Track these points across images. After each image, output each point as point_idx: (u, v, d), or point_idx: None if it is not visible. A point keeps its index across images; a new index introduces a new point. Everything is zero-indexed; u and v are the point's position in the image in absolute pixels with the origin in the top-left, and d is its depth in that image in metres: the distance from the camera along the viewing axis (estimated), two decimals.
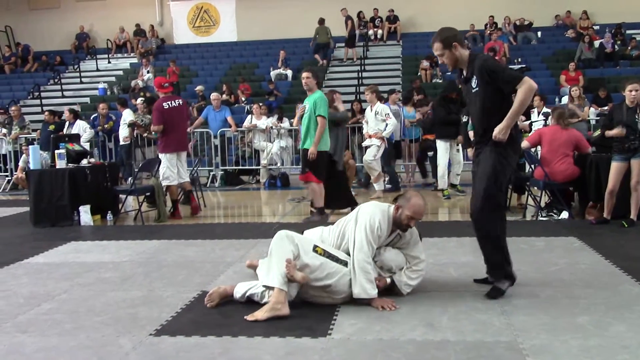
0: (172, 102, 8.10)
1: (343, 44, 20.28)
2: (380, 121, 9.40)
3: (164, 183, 8.07)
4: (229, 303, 4.21)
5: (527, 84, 4.03)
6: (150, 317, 4.02)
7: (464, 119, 7.87)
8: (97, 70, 21.11)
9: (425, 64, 17.35)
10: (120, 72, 20.78)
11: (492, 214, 4.15)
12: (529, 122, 8.06)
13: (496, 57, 15.86)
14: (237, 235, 6.76)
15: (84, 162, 8.22)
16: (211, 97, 12.81)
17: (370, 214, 4.14)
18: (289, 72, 18.70)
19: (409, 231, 4.22)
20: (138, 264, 5.60)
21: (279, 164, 12.43)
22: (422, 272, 4.30)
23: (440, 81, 17.08)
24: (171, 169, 8.05)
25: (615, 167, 6.61)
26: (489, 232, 4.19)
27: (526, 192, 8.06)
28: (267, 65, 19.31)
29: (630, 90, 6.38)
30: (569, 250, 5.68)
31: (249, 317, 3.87)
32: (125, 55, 22.26)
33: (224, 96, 15.89)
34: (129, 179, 8.93)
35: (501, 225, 4.23)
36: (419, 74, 16.63)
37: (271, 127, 12.51)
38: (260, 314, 3.87)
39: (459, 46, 4.28)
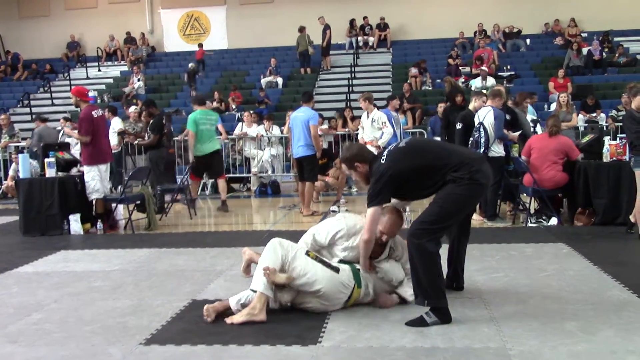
0: (98, 111, 8.05)
1: (338, 52, 20.38)
2: (376, 129, 9.36)
3: (93, 196, 7.87)
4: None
5: (366, 224, 3.98)
6: (140, 326, 4.01)
7: (458, 126, 7.88)
8: (88, 78, 21.03)
9: (414, 71, 17.43)
10: (111, 80, 20.74)
11: (417, 251, 3.85)
12: (519, 132, 8.09)
13: (483, 66, 15.99)
14: (227, 243, 6.76)
15: (74, 170, 8.19)
16: None
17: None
18: (280, 80, 18.72)
19: (399, 243, 4.28)
20: (128, 272, 5.58)
21: (269, 172, 12.43)
22: None
23: (430, 88, 17.16)
24: (100, 182, 7.88)
25: None
26: (412, 257, 3.90)
27: (516, 199, 8.10)
28: (257, 73, 19.34)
29: None
30: (557, 256, 5.72)
31: (228, 320, 3.96)
32: (116, 63, 22.22)
33: (215, 104, 15.89)
34: (119, 187, 8.90)
35: (427, 261, 3.83)
36: (408, 81, 16.70)
37: (262, 135, 12.52)
38: (236, 318, 3.95)
39: (361, 164, 4.15)
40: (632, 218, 6.49)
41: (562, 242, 6.23)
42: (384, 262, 4.28)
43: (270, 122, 12.69)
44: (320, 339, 3.68)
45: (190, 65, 19.35)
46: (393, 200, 4.23)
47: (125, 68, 21.34)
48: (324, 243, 4.29)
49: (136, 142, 10.79)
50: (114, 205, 8.20)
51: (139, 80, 18.86)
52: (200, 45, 21.04)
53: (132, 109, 12.10)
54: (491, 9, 20.20)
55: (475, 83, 15.00)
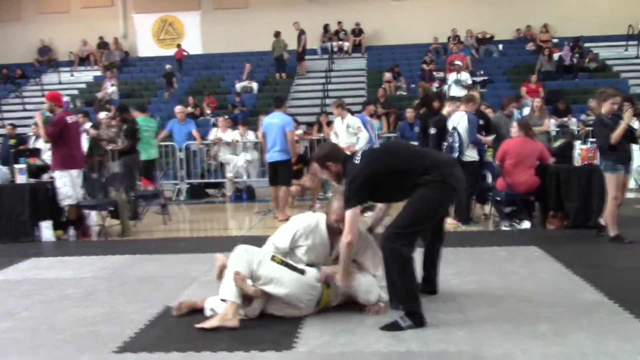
0: (72, 117, 7.98)
1: (312, 57, 20.43)
2: (352, 134, 9.39)
3: (66, 202, 7.75)
4: (195, 316, 4.18)
5: (347, 227, 3.90)
6: (112, 334, 3.96)
7: (432, 131, 7.93)
8: (60, 83, 20.77)
9: (388, 75, 17.53)
10: (83, 85, 20.51)
11: (392, 255, 3.87)
12: (492, 136, 8.18)
13: (457, 61, 16.14)
14: (202, 249, 6.70)
15: (45, 176, 8.07)
16: (176, 109, 12.69)
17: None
18: (255, 85, 18.69)
19: (362, 238, 4.21)
20: (101, 279, 5.51)
21: (245, 177, 12.38)
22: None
23: (405, 93, 17.26)
24: (72, 187, 7.77)
25: (620, 177, 6.36)
26: (387, 261, 3.92)
27: (489, 203, 8.18)
28: (232, 78, 19.27)
29: (613, 104, 6.36)
30: (530, 259, 5.78)
31: (198, 325, 3.94)
32: (89, 68, 21.99)
33: (189, 109, 15.80)
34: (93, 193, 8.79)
35: (401, 265, 3.86)
36: (383, 86, 16.79)
37: (237, 140, 12.48)
38: (208, 323, 3.93)
39: (333, 163, 4.13)
40: (602, 221, 6.60)
41: (534, 245, 6.30)
42: (361, 279, 4.18)
43: (245, 127, 12.65)
44: (295, 344, 3.67)
45: (167, 66, 19.28)
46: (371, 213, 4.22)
47: (98, 73, 21.13)
48: (286, 247, 4.23)
49: (109, 147, 10.68)
50: (86, 211, 8.10)
51: (112, 85, 18.68)
52: (179, 46, 20.97)
53: (102, 114, 11.99)
54: (464, 15, 20.42)
55: (450, 77, 15.18)
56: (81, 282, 5.42)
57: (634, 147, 6.93)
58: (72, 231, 7.86)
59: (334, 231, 4.20)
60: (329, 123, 12.83)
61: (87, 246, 7.39)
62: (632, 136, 6.38)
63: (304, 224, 4.26)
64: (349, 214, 3.93)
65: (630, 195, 9.10)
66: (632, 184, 10.09)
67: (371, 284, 4.20)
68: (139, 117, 10.14)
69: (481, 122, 8.09)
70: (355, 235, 3.99)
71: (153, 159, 9.96)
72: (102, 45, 22.03)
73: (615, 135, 6.11)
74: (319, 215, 4.37)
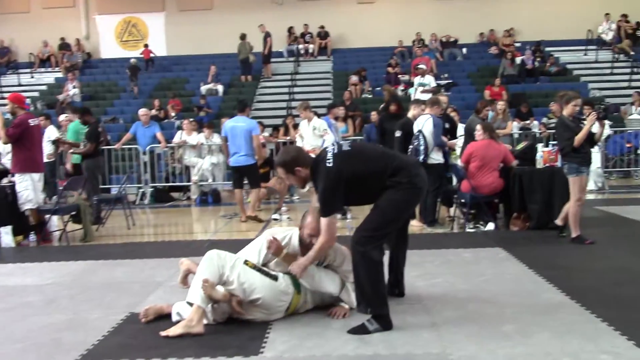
0: (35, 120, 7.84)
1: (278, 59, 20.39)
2: (318, 137, 9.41)
3: (27, 206, 7.58)
4: (162, 322, 4.12)
5: (327, 235, 3.91)
6: (75, 342, 3.87)
7: (397, 134, 7.97)
8: (20, 85, 20.34)
9: (354, 78, 17.60)
10: (44, 87, 20.12)
11: (361, 259, 3.86)
12: (456, 139, 8.26)
13: (421, 64, 16.26)
14: (167, 254, 6.62)
15: (5, 181, 7.88)
16: (140, 112, 12.53)
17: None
18: (220, 88, 18.58)
19: (332, 249, 4.20)
20: (63, 286, 5.39)
21: (210, 180, 12.30)
22: None
23: (370, 96, 17.36)
24: (33, 191, 7.60)
25: (584, 179, 6.49)
26: (355, 265, 3.90)
27: (454, 205, 8.27)
28: (197, 81, 19.12)
29: (575, 105, 6.47)
30: (495, 260, 5.85)
31: (163, 333, 3.88)
32: (50, 69, 21.58)
33: (154, 111, 15.62)
34: (54, 197, 8.62)
35: (370, 269, 3.84)
36: (348, 88, 16.86)
37: (202, 143, 12.38)
38: (172, 331, 3.87)
39: (302, 168, 4.02)
40: (558, 221, 6.73)
41: (499, 247, 6.38)
42: (316, 270, 4.19)
43: (210, 130, 12.57)
44: (262, 349, 3.64)
45: (131, 60, 19.07)
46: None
47: (59, 75, 20.73)
48: (259, 263, 4.21)
49: (71, 150, 10.49)
50: (47, 216, 7.93)
51: (74, 87, 18.35)
52: (146, 46, 20.75)
53: (62, 117, 11.78)
54: (429, 18, 20.63)
55: (415, 80, 15.31)
56: (42, 289, 5.30)
57: (593, 149, 7.09)
58: (32, 236, 7.69)
59: (307, 246, 4.18)
60: (296, 126, 12.84)
61: (48, 252, 7.23)
62: (592, 139, 6.52)
63: (278, 238, 4.23)
64: (327, 221, 3.90)
65: (590, 196, 9.31)
66: (591, 185, 10.33)
67: (332, 278, 4.22)
68: (76, 121, 10.19)
69: (447, 125, 8.17)
70: (334, 240, 3.98)
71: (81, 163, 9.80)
72: (64, 46, 21.63)
73: (579, 138, 6.23)
74: (293, 229, 4.33)
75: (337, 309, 4.20)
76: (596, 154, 10.57)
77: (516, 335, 3.74)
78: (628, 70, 18.49)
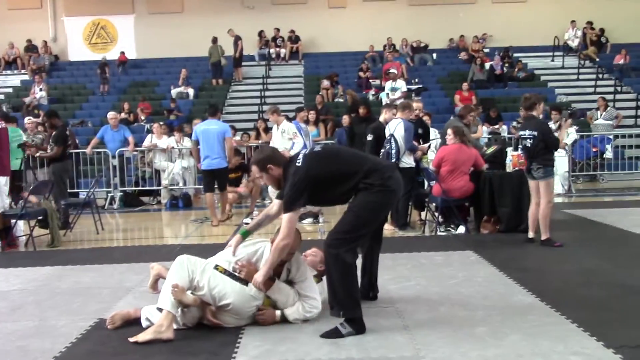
0: (1, 123, 7.69)
1: (249, 63, 20.34)
2: (287, 140, 9.40)
3: None
4: (131, 328, 4.06)
5: (285, 230, 3.87)
6: (42, 349, 3.79)
7: (369, 137, 7.99)
8: None
9: (325, 83, 17.63)
10: (10, 90, 19.76)
11: (334, 261, 3.85)
12: (428, 144, 8.31)
13: (392, 69, 16.40)
14: (136, 258, 6.53)
15: None
16: (108, 116, 12.35)
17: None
18: (191, 91, 18.45)
19: (294, 261, 4.17)
20: (29, 292, 5.28)
21: (180, 184, 12.18)
22: (315, 312, 4.14)
23: (342, 100, 17.38)
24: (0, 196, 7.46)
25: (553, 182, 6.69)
26: (329, 268, 3.91)
27: (425, 208, 8.31)
28: (167, 84, 18.97)
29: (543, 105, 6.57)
30: (466, 263, 5.89)
31: (132, 339, 3.81)
32: (16, 72, 21.19)
33: (123, 115, 15.42)
34: (20, 202, 8.43)
35: (344, 272, 3.84)
36: (320, 93, 16.89)
37: (172, 147, 12.26)
38: (142, 336, 3.81)
39: (274, 167, 4.06)
40: (531, 234, 6.77)
41: (469, 250, 6.43)
42: (278, 285, 4.14)
43: (180, 134, 12.44)
44: (235, 354, 3.60)
45: (102, 57, 18.85)
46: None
47: (26, 77, 20.39)
48: (230, 268, 4.16)
49: (38, 154, 10.29)
50: (13, 221, 7.76)
51: (41, 90, 18.06)
52: (122, 53, 20.61)
53: (26, 119, 11.55)
54: (400, 23, 20.78)
55: (387, 85, 15.39)
56: (8, 295, 5.18)
57: (560, 152, 7.21)
58: None
59: (281, 262, 4.12)
60: (267, 129, 12.80)
61: (14, 257, 7.08)
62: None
63: (249, 251, 4.17)
64: (288, 216, 3.90)
65: (557, 200, 9.45)
66: (559, 188, 10.49)
67: (290, 294, 4.14)
68: (11, 128, 9.74)
69: (420, 131, 8.22)
70: (292, 239, 3.96)
71: (18, 169, 9.47)
72: (30, 48, 21.25)
73: (562, 140, 6.35)
74: (265, 242, 4.25)
75: (266, 315, 4.09)
76: (563, 158, 10.75)
77: (488, 337, 3.76)
78: (593, 76, 18.86)
